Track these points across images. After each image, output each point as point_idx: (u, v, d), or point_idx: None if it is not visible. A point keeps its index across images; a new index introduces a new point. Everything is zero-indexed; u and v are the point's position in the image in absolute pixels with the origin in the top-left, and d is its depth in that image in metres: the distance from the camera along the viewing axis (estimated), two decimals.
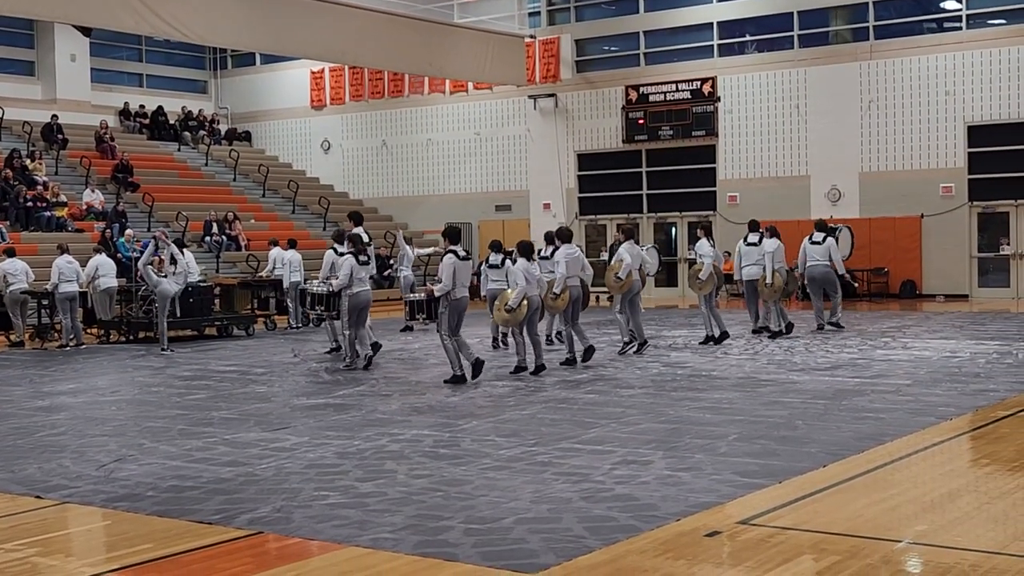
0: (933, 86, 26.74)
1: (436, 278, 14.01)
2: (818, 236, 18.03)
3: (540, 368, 14.02)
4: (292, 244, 22.21)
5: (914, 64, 26.94)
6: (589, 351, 14.90)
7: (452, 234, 13.57)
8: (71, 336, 19.12)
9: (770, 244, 17.78)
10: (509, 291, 14.19)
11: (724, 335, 17.26)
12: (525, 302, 13.90)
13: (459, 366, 13.40)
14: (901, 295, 26.91)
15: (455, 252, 13.28)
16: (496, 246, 16.40)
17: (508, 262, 15.18)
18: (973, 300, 26.15)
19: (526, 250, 14.28)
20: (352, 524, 6.89)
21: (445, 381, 13.40)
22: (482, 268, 16.73)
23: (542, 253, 16.35)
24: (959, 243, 26.69)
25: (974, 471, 8.54)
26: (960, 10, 26.75)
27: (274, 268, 22.37)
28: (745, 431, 9.65)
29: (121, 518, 7.29)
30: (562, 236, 15.41)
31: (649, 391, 12.31)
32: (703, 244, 17.43)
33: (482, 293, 17.20)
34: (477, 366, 13.46)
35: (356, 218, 16.77)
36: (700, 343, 17.15)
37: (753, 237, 18.03)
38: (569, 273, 14.78)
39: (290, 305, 21.94)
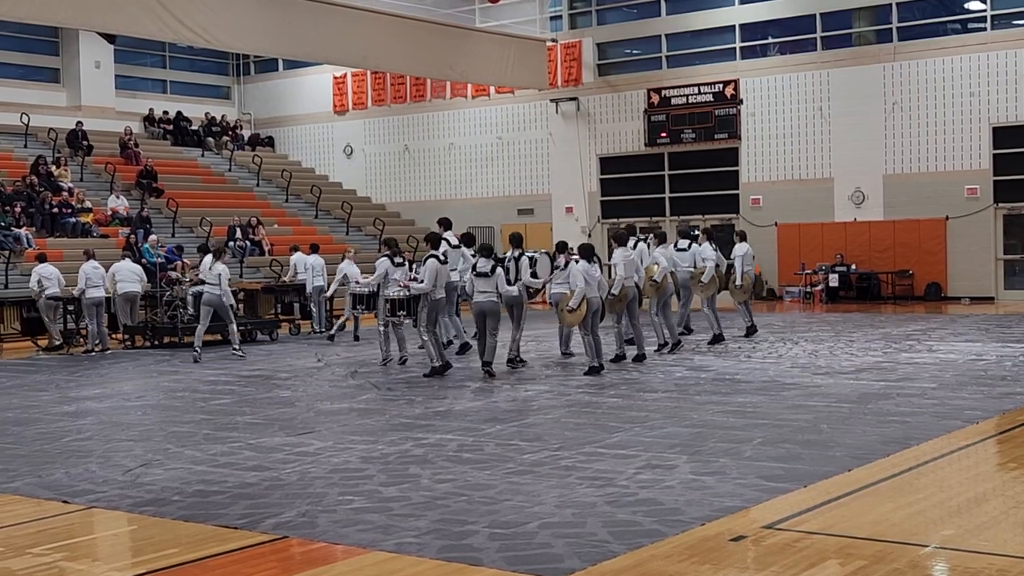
0: (957, 87, 26.59)
1: (418, 279, 14.77)
2: (683, 243, 18.15)
3: (595, 369, 14.15)
4: (315, 249, 22.29)
5: (938, 65, 26.80)
6: (640, 357, 15.38)
7: (434, 239, 15.05)
8: (96, 341, 19.23)
9: (740, 248, 18.52)
10: (570, 292, 14.39)
11: (719, 337, 17.67)
12: (585, 303, 14.09)
13: (439, 359, 14.45)
14: (926, 298, 26.76)
15: (436, 256, 14.52)
16: (486, 251, 14.57)
17: (499, 269, 14.25)
18: (999, 303, 25.97)
19: (587, 252, 14.44)
20: (376, 528, 6.90)
21: (425, 375, 14.39)
22: (468, 276, 14.91)
23: (509, 255, 15.58)
24: (984, 245, 26.53)
25: (1001, 475, 8.49)
26: (984, 11, 26.60)
27: (296, 273, 22.43)
28: (770, 435, 9.62)
29: (147, 523, 7.32)
30: (619, 239, 15.82)
31: (673, 395, 12.29)
32: (706, 248, 17.93)
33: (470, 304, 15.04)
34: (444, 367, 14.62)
35: (446, 223, 17.67)
36: (708, 343, 17.42)
37: (683, 243, 18.15)
38: (626, 275, 15.25)
39: (313, 310, 22.00)
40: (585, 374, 14.12)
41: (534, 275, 15.52)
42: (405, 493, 7.81)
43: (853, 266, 27.67)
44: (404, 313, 15.36)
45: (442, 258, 14.70)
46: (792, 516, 7.00)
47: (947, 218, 26.80)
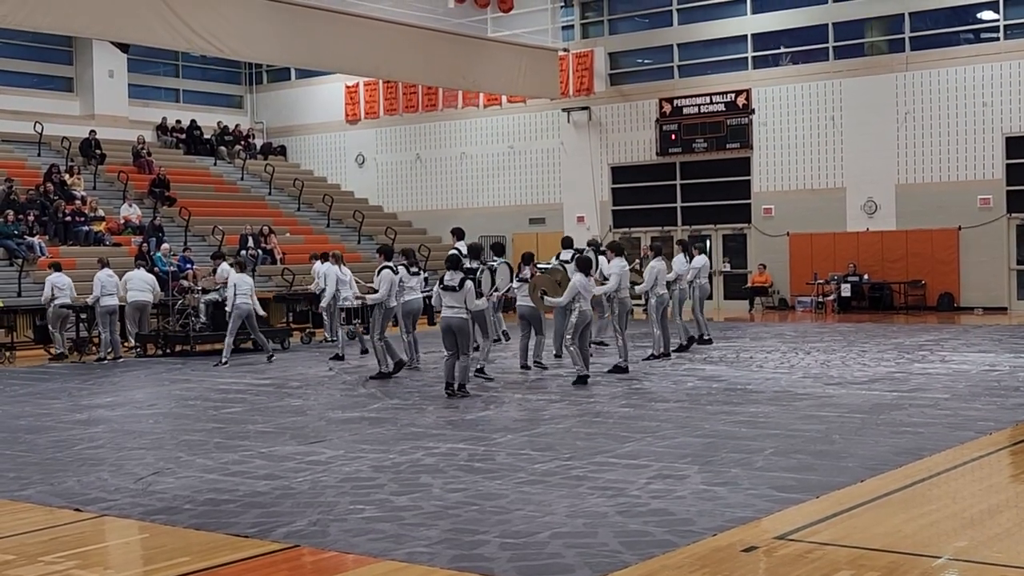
0: (970, 97, 26.53)
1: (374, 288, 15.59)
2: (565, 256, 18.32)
3: (584, 379, 14.08)
4: (324, 257, 22.29)
5: (951, 75, 26.75)
6: (619, 368, 15.24)
7: (387, 252, 15.80)
8: (109, 350, 19.28)
9: (699, 260, 18.80)
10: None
11: (691, 341, 18.15)
12: (577, 315, 13.97)
13: (386, 364, 15.36)
14: (939, 308, 26.66)
15: (391, 267, 15.32)
16: (454, 262, 13.54)
17: (469, 283, 13.27)
18: (1012, 313, 25.86)
19: (584, 265, 14.34)
20: (388, 538, 6.90)
21: (371, 377, 15.31)
22: (435, 289, 13.76)
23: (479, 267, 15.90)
24: (998, 255, 26.43)
25: (1014, 486, 8.46)
26: (997, 21, 26.54)
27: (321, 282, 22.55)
28: (781, 445, 9.60)
29: (159, 531, 7.34)
30: (615, 249, 15.85)
31: (684, 405, 12.27)
32: (679, 259, 18.22)
33: (435, 319, 14.71)
34: (398, 365, 15.61)
35: (459, 233, 18.25)
36: (674, 350, 17.51)
37: (566, 255, 18.06)
38: (619, 286, 15.29)
39: (326, 318, 22.00)
40: (573, 384, 13.99)
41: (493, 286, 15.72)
42: (416, 502, 7.80)
43: (865, 276, 27.60)
44: (359, 321, 16.59)
45: (395, 269, 15.46)
46: (804, 527, 6.98)
47: (960, 228, 26.73)
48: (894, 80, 27.39)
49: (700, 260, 18.82)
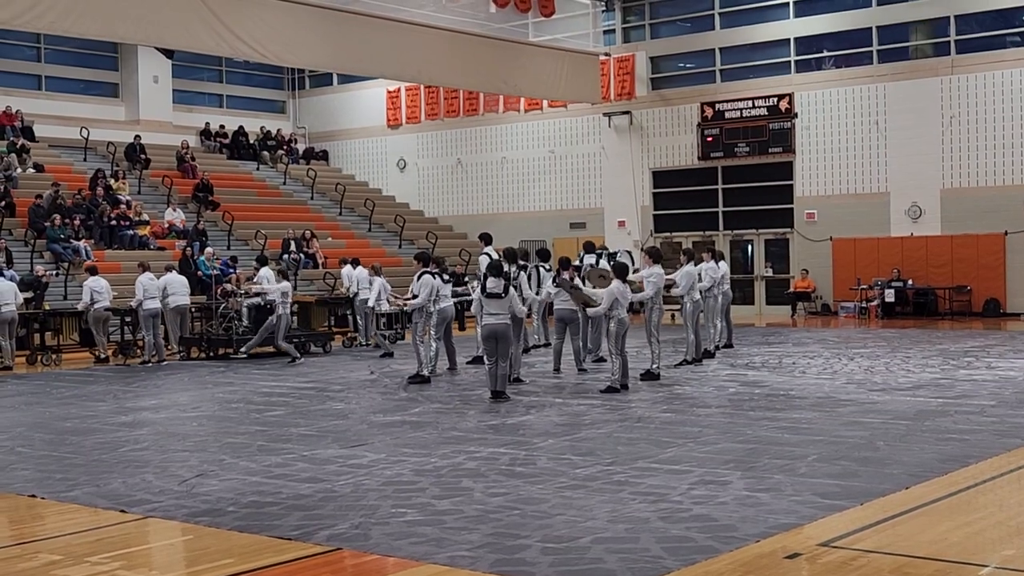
0: (1016, 101, 26.24)
1: (412, 294, 15.92)
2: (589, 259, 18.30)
3: (613, 389, 13.98)
4: (356, 262, 22.42)
5: (997, 79, 26.47)
6: (650, 375, 15.13)
7: (425, 258, 16.10)
8: (153, 353, 19.45)
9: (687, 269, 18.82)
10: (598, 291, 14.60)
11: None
12: (616, 323, 13.85)
13: (429, 368, 15.43)
14: (984, 314, 26.39)
15: (430, 272, 15.56)
16: (496, 269, 13.72)
17: (512, 291, 13.72)
18: None
19: (622, 272, 14.23)
20: (429, 541, 6.91)
21: (409, 380, 15.30)
22: (475, 296, 14.07)
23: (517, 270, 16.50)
24: None
25: None
26: None
27: (348, 286, 22.66)
28: (825, 452, 9.53)
29: (203, 533, 7.39)
30: (653, 255, 15.71)
31: (727, 410, 12.21)
32: (710, 266, 18.12)
33: (477, 328, 14.84)
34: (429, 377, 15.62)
35: (486, 239, 18.54)
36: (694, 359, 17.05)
37: (589, 259, 18.26)
38: (653, 292, 15.21)
39: (360, 322, 22.11)
40: (602, 391, 13.82)
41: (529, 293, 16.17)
42: (458, 506, 7.81)
43: (910, 281, 27.36)
44: (399, 326, 17.36)
45: (434, 274, 15.63)
46: (848, 534, 6.92)
47: (1006, 233, 26.43)
48: (939, 84, 27.15)
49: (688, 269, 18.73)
